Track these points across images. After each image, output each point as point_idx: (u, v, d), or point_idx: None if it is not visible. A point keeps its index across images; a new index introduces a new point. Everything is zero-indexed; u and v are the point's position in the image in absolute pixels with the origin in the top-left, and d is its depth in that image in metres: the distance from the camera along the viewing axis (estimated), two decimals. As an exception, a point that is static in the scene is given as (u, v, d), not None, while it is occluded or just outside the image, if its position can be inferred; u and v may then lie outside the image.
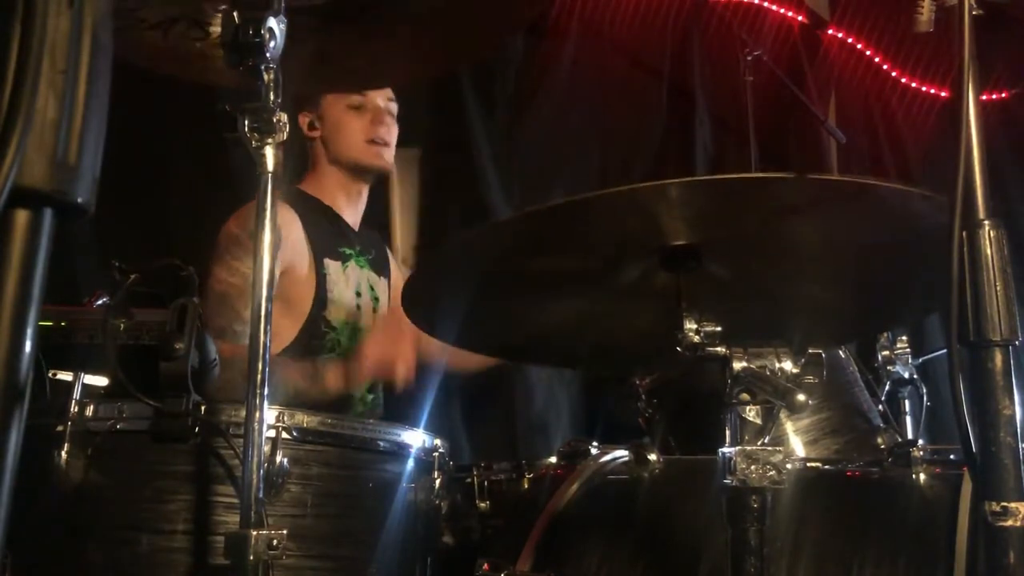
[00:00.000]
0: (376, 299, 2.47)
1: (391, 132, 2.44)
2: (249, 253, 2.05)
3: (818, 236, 1.20)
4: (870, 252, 1.23)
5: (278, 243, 2.15)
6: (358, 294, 2.39)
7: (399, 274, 2.57)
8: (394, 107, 2.46)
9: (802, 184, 1.08)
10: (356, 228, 2.48)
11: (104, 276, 1.37)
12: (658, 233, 1.16)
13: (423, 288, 1.30)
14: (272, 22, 1.18)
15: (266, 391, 1.13)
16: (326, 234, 2.35)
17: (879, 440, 1.78)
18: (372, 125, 2.40)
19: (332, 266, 2.33)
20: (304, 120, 2.43)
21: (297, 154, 2.46)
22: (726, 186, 1.13)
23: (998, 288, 0.92)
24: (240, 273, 2.10)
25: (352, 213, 2.47)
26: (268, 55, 1.19)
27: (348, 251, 2.40)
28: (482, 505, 1.78)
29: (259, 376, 1.13)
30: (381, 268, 2.53)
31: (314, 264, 2.28)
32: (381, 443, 1.46)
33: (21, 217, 0.62)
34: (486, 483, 1.80)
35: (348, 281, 2.36)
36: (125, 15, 1.35)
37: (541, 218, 1.13)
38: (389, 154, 2.45)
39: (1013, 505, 0.89)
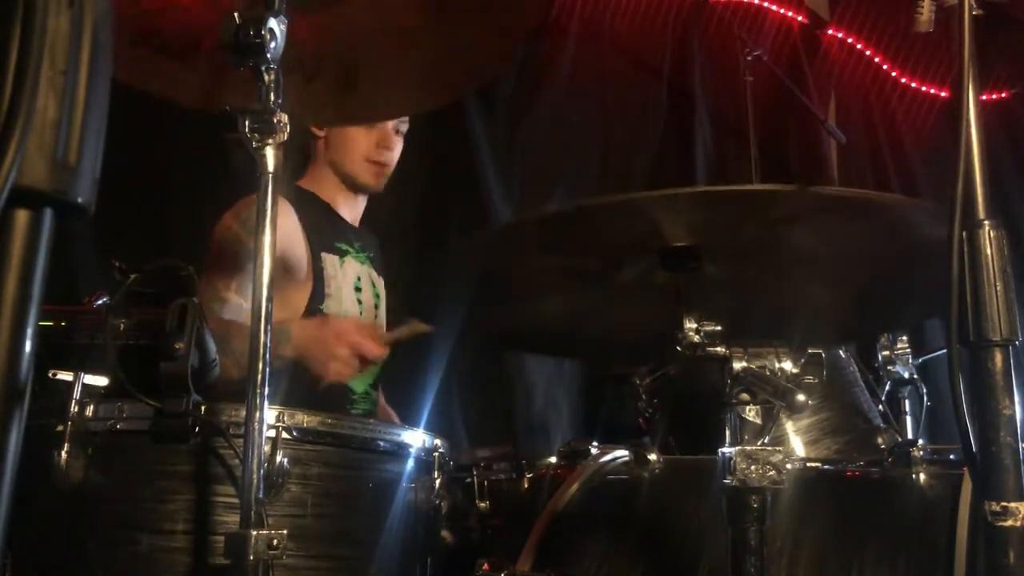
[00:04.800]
0: (377, 296, 2.45)
1: (394, 155, 2.42)
2: (244, 248, 2.04)
3: (818, 243, 1.20)
4: (870, 258, 1.23)
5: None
6: (358, 288, 2.36)
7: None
8: (404, 126, 2.43)
9: (804, 195, 1.08)
10: (355, 226, 2.47)
11: (104, 276, 1.37)
12: (659, 236, 1.16)
13: (425, 291, 1.30)
14: (272, 22, 1.18)
15: (266, 391, 1.13)
16: (323, 229, 2.33)
17: (879, 440, 1.77)
18: (377, 148, 2.39)
19: (329, 260, 2.30)
20: None
21: (297, 149, 2.43)
22: (729, 196, 1.13)
23: (998, 288, 0.92)
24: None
25: (350, 212, 2.46)
26: (268, 55, 1.18)
27: (345, 247, 2.37)
28: (482, 505, 1.77)
29: (259, 376, 1.13)
30: (380, 269, 2.51)
31: (311, 258, 2.26)
32: (381, 443, 1.46)
33: (21, 217, 0.62)
34: (486, 483, 1.79)
35: (346, 276, 2.34)
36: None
37: (544, 223, 1.14)
38: (387, 174, 2.43)
39: (1013, 505, 0.89)
